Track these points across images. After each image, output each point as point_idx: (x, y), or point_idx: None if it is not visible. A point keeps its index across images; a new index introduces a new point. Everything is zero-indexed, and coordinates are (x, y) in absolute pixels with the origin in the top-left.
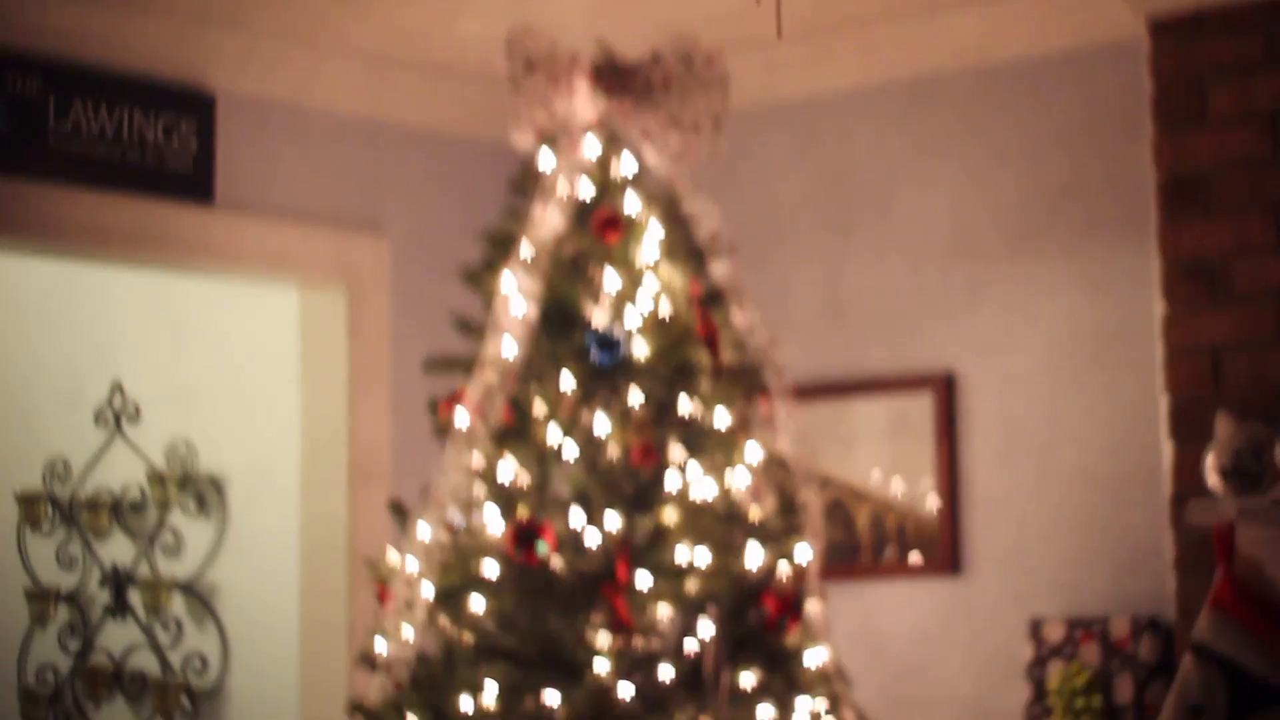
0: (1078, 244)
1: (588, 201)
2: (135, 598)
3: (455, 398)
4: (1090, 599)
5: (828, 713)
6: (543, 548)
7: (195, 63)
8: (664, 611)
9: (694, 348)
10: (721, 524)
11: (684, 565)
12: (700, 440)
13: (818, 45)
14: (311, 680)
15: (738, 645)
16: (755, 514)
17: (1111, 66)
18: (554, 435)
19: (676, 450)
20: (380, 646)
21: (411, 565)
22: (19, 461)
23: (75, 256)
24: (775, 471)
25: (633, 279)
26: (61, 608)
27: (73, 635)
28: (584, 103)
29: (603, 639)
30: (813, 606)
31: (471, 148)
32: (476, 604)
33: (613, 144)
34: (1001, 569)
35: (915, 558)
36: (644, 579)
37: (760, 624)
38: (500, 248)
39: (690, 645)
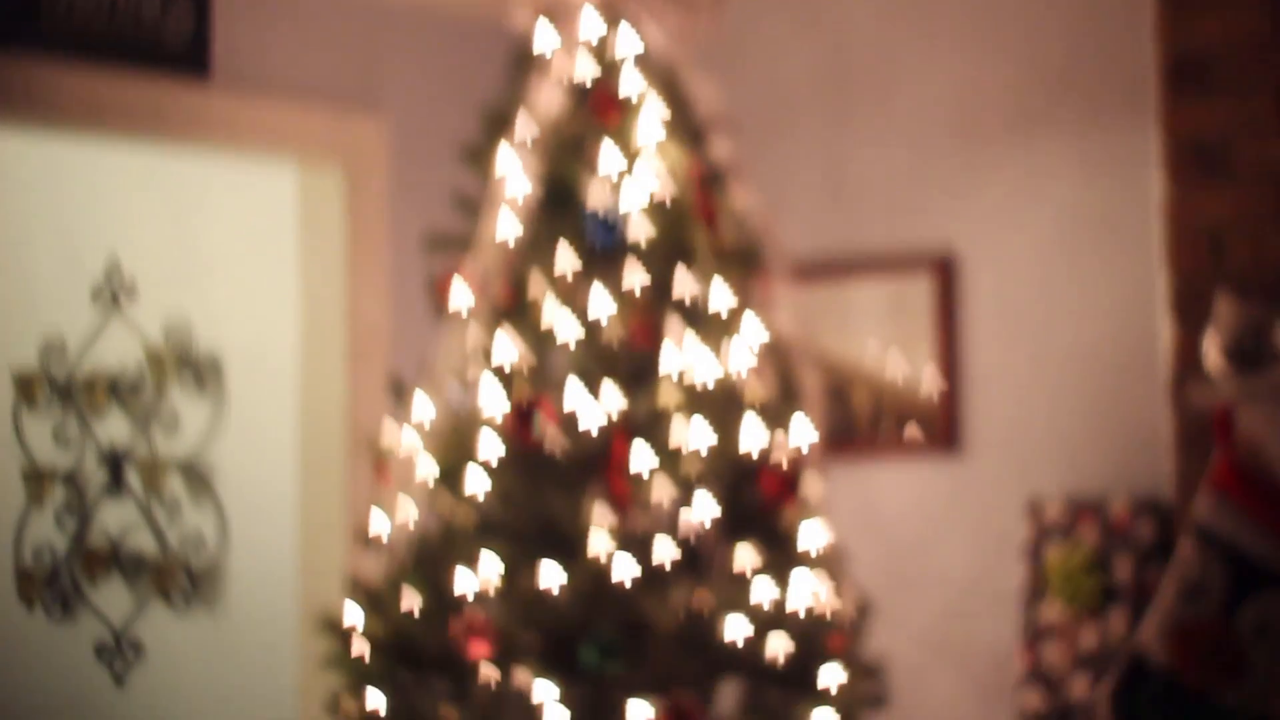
0: (1078, 125)
1: (587, 81)
2: (133, 477)
3: (454, 276)
4: (1089, 480)
5: (825, 591)
6: (540, 426)
7: None
8: (662, 491)
9: (693, 228)
10: (720, 404)
11: (682, 445)
12: (699, 320)
13: None
14: (310, 558)
15: (735, 524)
16: (754, 394)
17: None
18: (552, 315)
19: (675, 330)
20: (379, 524)
21: (409, 443)
22: (15, 340)
23: (70, 133)
24: (774, 352)
25: (632, 159)
26: (58, 488)
27: (70, 515)
28: None
29: (600, 517)
30: (811, 486)
31: (471, 25)
32: (474, 482)
33: (612, 22)
34: (1000, 449)
35: (914, 438)
36: (641, 458)
37: (758, 503)
38: (498, 127)
39: (688, 524)
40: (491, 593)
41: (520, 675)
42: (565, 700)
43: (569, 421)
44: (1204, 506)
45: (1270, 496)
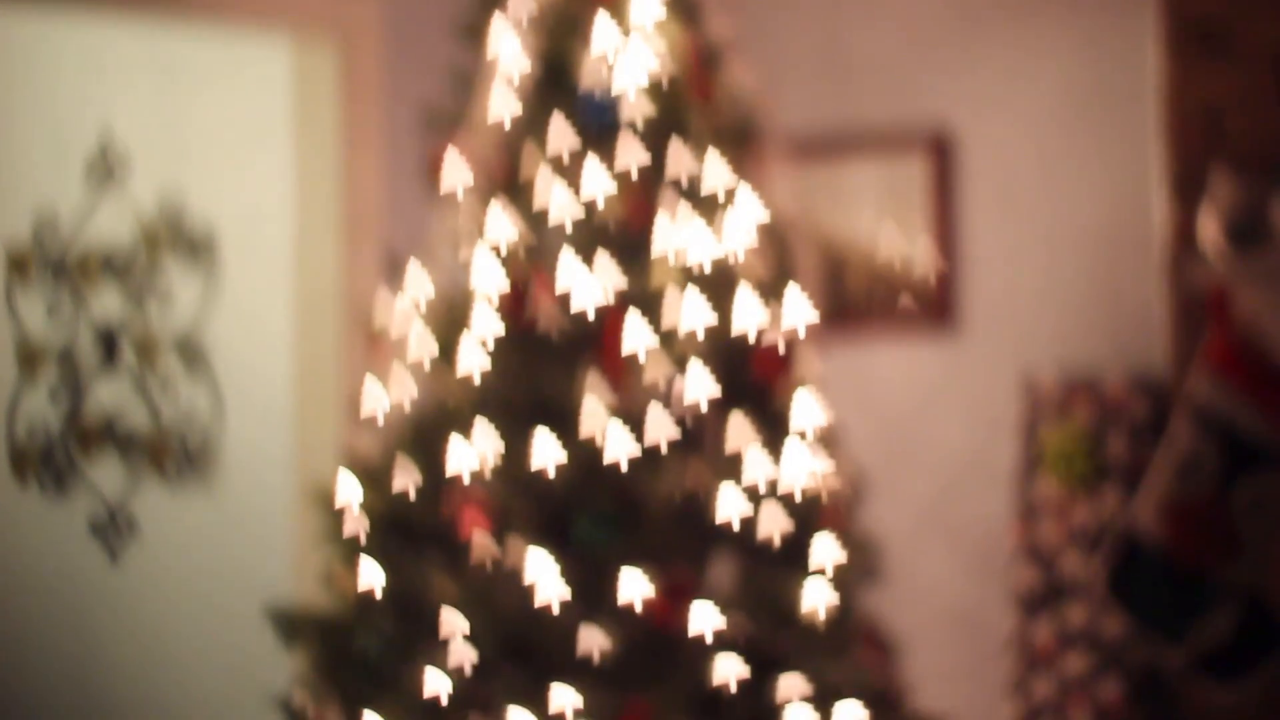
0: (1076, 2)
1: None
2: (127, 353)
3: (449, 153)
4: (1084, 358)
5: (820, 468)
6: (535, 305)
7: None
8: (657, 369)
9: (690, 106)
10: (716, 282)
11: (677, 323)
12: (695, 199)
13: None
14: (305, 434)
15: (730, 402)
16: (750, 272)
17: None
18: (547, 193)
19: (671, 208)
20: (373, 401)
21: (404, 319)
22: (7, 216)
23: (62, 7)
24: (770, 230)
25: (629, 36)
26: (52, 364)
27: (63, 392)
28: None
29: (596, 395)
30: (806, 364)
31: None
32: (469, 359)
33: None
34: (995, 327)
35: (909, 317)
36: (637, 337)
37: (753, 381)
38: (494, 2)
39: (683, 402)
40: (486, 469)
41: (515, 550)
42: (560, 575)
43: (564, 300)
44: (1199, 385)
45: (1266, 376)
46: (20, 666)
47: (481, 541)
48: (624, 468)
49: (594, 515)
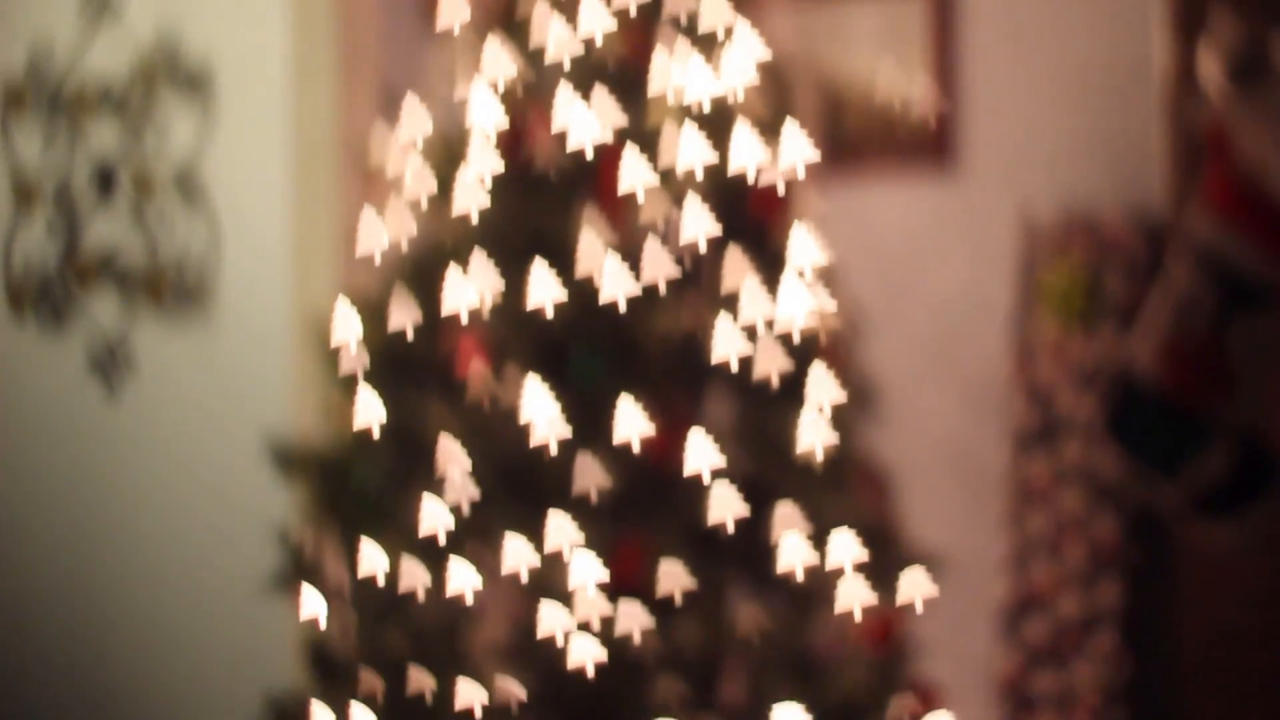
0: None
1: None
2: (124, 188)
3: None
4: (1083, 198)
5: (818, 306)
6: (533, 142)
7: None
8: (656, 208)
9: None
10: (715, 121)
11: (676, 161)
12: (693, 36)
13: None
14: (302, 270)
15: (728, 233)
16: (749, 111)
17: None
18: (545, 29)
19: (669, 46)
20: (370, 238)
21: (401, 156)
22: (2, 48)
23: None
24: (770, 69)
25: None
26: (48, 199)
27: (60, 227)
28: None
29: (593, 233)
30: (805, 203)
31: None
32: (466, 197)
33: None
34: (995, 167)
35: (909, 157)
36: (634, 174)
37: (752, 220)
38: None
39: (681, 240)
40: (484, 307)
41: (513, 387)
42: (556, 410)
43: (562, 137)
44: (1197, 224)
45: (1265, 214)
46: (18, 500)
47: (479, 378)
48: (622, 306)
49: (591, 352)
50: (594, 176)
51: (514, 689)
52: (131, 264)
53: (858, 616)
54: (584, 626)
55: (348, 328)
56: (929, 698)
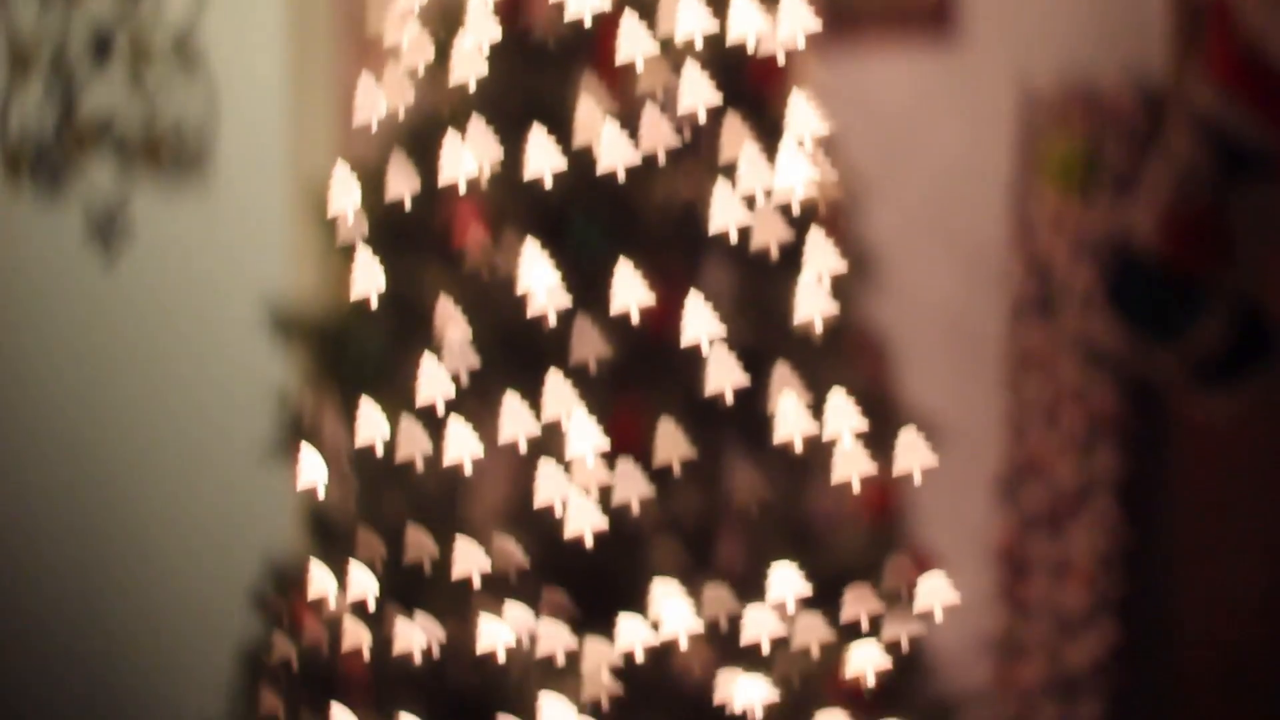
0: None
1: None
2: (120, 55)
3: None
4: (1084, 67)
5: (816, 176)
6: (531, 9)
7: None
8: (654, 77)
9: None
10: None
11: (675, 30)
12: None
13: None
14: (299, 139)
15: (727, 100)
16: None
17: None
18: None
19: None
20: (367, 106)
21: (399, 23)
22: None
23: None
24: None
25: None
26: (44, 66)
27: (56, 94)
28: None
29: (593, 102)
30: (804, 73)
31: None
32: (464, 66)
33: None
34: (994, 35)
35: (909, 26)
36: (633, 43)
37: (751, 89)
38: None
39: (679, 111)
40: (482, 177)
41: (511, 256)
42: (554, 278)
43: (560, 5)
44: (1198, 93)
45: (1266, 83)
46: (17, 367)
47: (478, 245)
48: (621, 175)
49: (590, 221)
50: (593, 45)
51: (513, 554)
52: (128, 130)
53: (855, 485)
54: (583, 493)
55: (345, 195)
56: (924, 563)
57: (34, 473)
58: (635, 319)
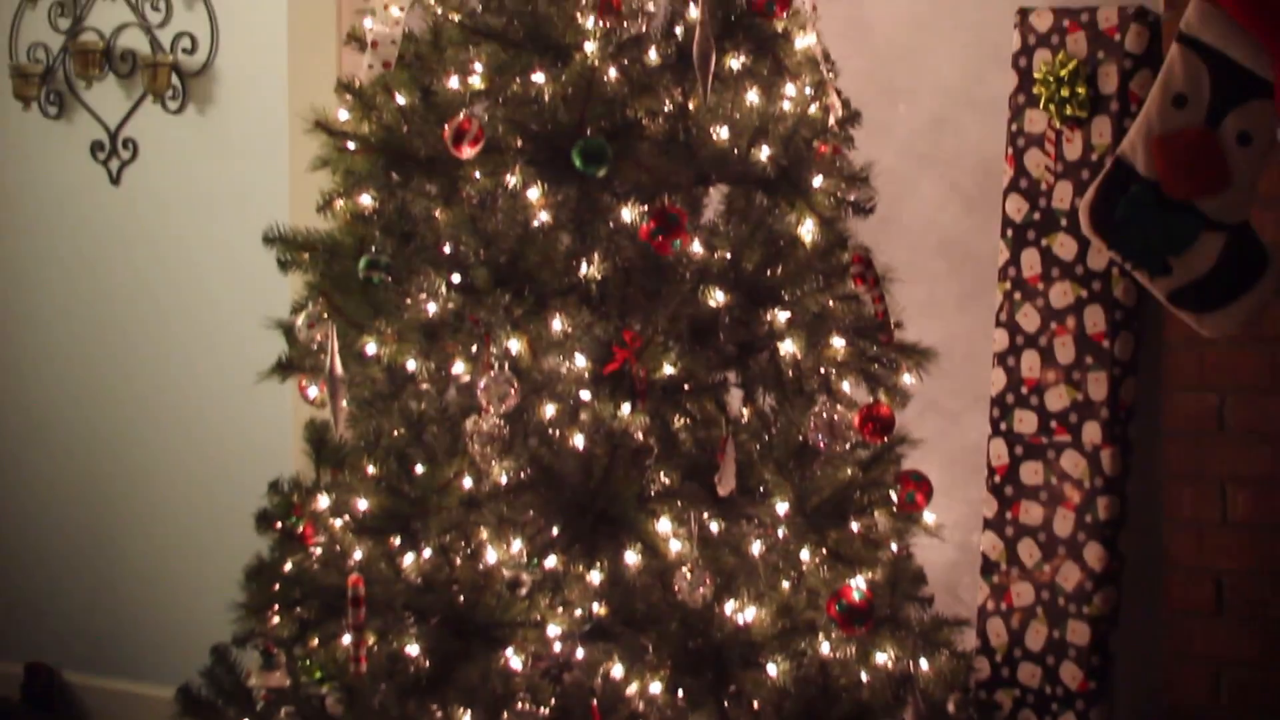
0: None
1: None
2: None
3: None
4: None
5: (813, 98)
6: None
7: None
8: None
9: None
10: None
11: None
12: None
13: None
14: (300, 60)
15: (726, 29)
16: None
17: None
18: None
19: None
20: (369, 26)
21: None
22: None
23: None
24: None
25: None
26: None
27: (63, 13)
28: None
29: (591, 21)
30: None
31: None
32: None
33: None
34: None
35: None
36: None
37: (748, 7)
38: None
39: (679, 28)
40: (481, 96)
41: (509, 176)
42: (554, 201)
43: None
44: (1193, 15)
45: (1262, 6)
46: (27, 278)
47: (475, 169)
48: (619, 93)
49: (590, 143)
50: None
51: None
52: (133, 51)
53: (852, 411)
54: (580, 416)
55: (345, 116)
56: (920, 486)
57: (40, 390)
58: (633, 237)
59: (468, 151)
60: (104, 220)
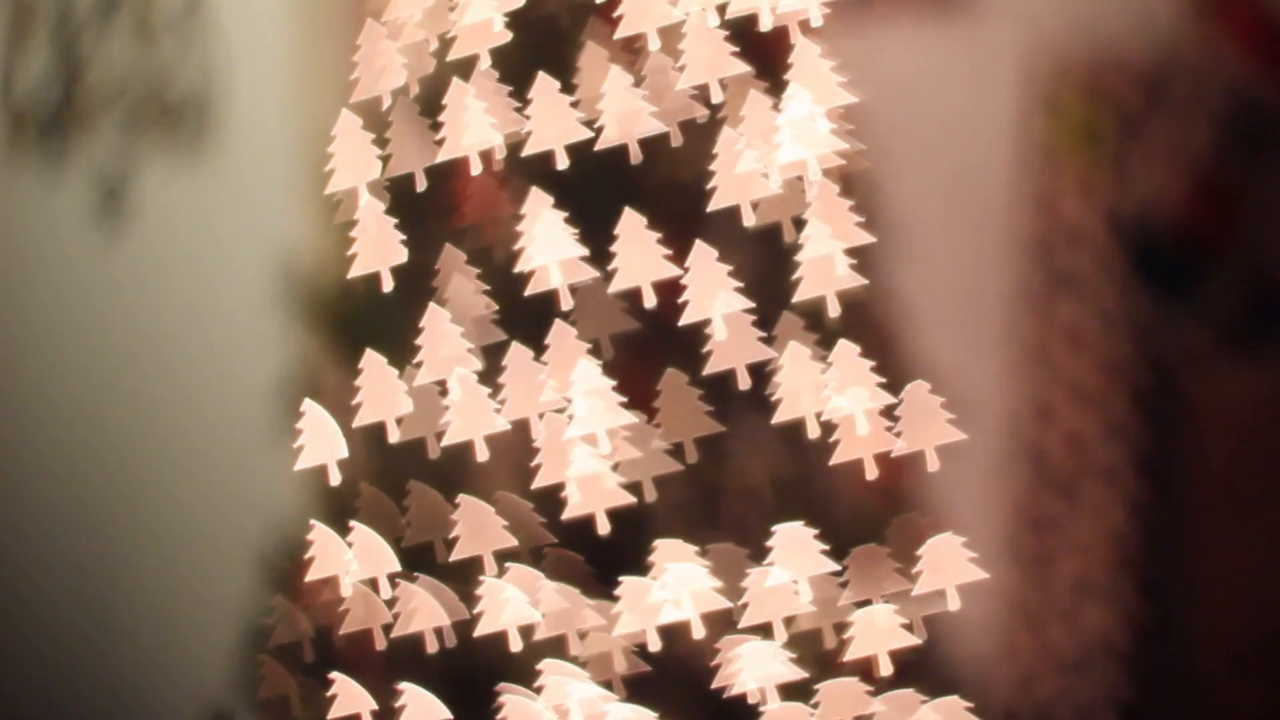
0: None
1: None
2: (127, 20)
3: None
4: (1100, 34)
5: (827, 150)
6: None
7: None
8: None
9: None
10: None
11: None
12: None
13: None
14: (309, 109)
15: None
16: None
17: None
18: None
19: None
20: (376, 75)
21: None
22: None
23: None
24: None
25: None
26: (49, 22)
27: (61, 57)
28: None
29: (603, 73)
30: (814, 46)
31: None
32: (474, 38)
33: None
34: (1007, 2)
35: None
36: (640, 16)
37: (760, 63)
38: None
39: (690, 83)
40: (495, 153)
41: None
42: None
43: None
44: (1217, 59)
45: None
46: (20, 338)
47: (489, 216)
48: (634, 151)
49: (601, 195)
50: (603, 15)
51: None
52: (136, 97)
53: (869, 465)
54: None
55: (355, 169)
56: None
57: (38, 444)
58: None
59: (480, 200)
60: (103, 271)
